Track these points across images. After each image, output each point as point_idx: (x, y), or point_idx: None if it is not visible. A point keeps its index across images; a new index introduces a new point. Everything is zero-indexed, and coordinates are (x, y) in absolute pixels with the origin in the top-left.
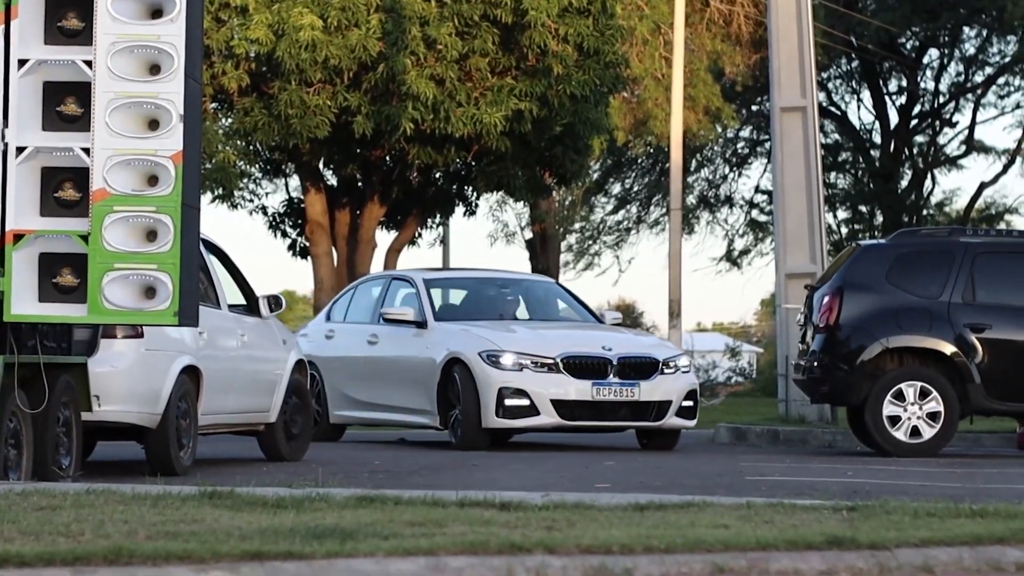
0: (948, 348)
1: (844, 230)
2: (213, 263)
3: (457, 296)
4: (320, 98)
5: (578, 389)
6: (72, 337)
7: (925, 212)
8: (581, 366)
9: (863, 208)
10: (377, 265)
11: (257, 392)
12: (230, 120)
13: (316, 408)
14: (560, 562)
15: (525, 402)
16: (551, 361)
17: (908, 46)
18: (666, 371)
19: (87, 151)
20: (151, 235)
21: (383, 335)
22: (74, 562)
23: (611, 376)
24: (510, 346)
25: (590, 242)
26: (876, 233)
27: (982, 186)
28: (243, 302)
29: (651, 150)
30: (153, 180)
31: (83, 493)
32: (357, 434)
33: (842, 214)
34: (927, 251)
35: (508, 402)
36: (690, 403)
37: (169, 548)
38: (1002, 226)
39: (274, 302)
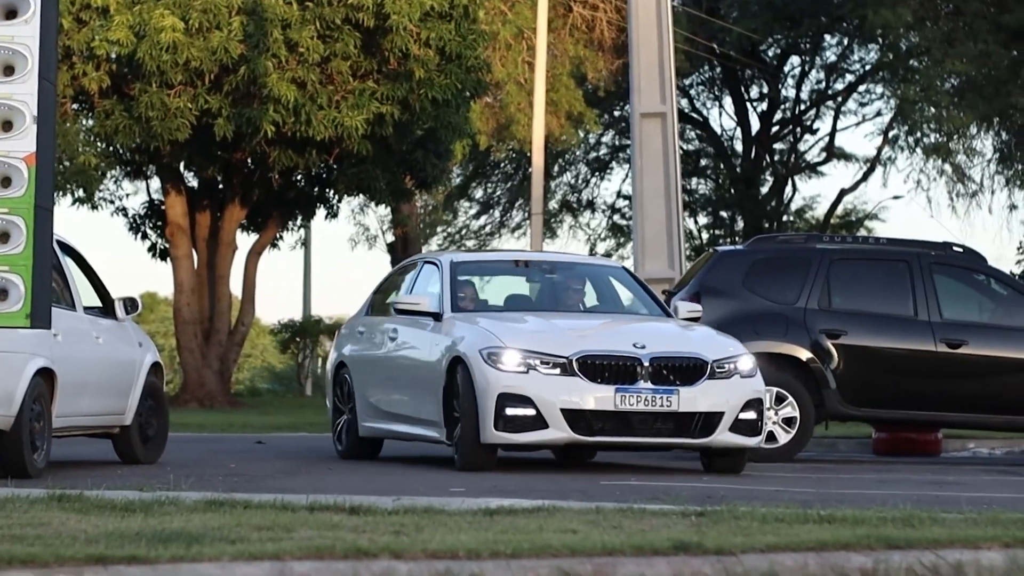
0: (804, 354)
1: (705, 235)
2: (68, 265)
3: (503, 285)
4: (181, 100)
5: (597, 396)
6: None
7: (785, 218)
8: (602, 367)
9: (724, 214)
10: (237, 268)
11: (112, 394)
12: (91, 122)
13: (348, 419)
14: (406, 567)
15: (530, 412)
16: (564, 360)
17: (770, 53)
18: (718, 374)
19: None
20: (3, 237)
21: (401, 330)
22: None
23: (641, 380)
24: (515, 341)
25: (452, 246)
26: (737, 239)
27: (842, 193)
28: (99, 304)
29: (513, 155)
30: (6, 182)
31: None
32: (211, 437)
33: (703, 219)
34: (784, 257)
35: (509, 411)
36: (751, 415)
37: (12, 552)
38: (862, 232)
39: (130, 304)
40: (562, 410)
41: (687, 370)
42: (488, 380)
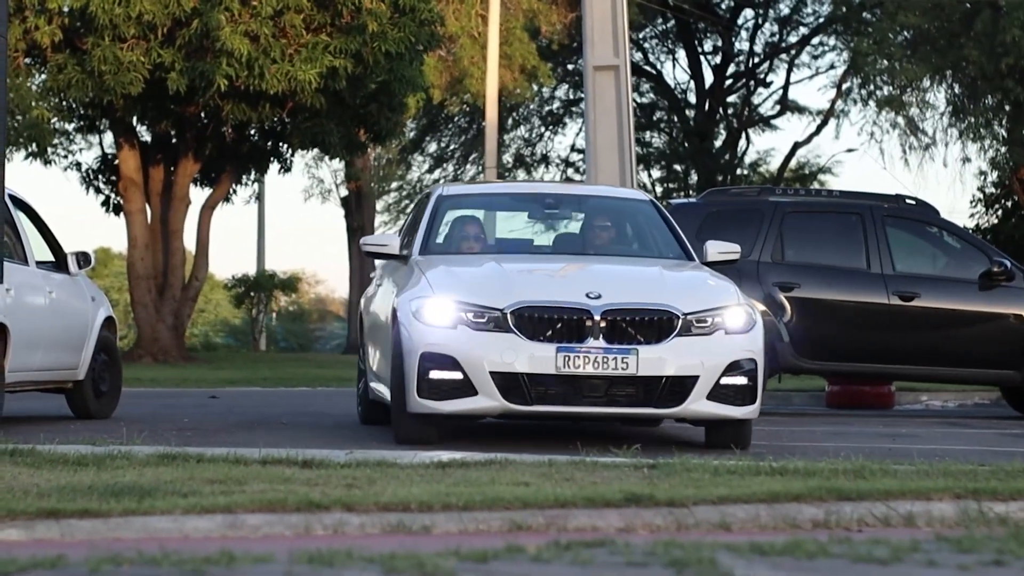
0: (757, 307)
1: (659, 189)
2: (21, 219)
3: (503, 221)
4: (134, 54)
5: (535, 356)
6: None
7: (739, 172)
8: (543, 321)
9: (678, 167)
10: (191, 222)
11: (65, 349)
12: (43, 76)
13: (364, 380)
14: (358, 519)
15: (456, 375)
16: (497, 313)
17: (723, 6)
18: (695, 330)
19: None
20: None
21: (384, 277)
22: None
23: (591, 337)
24: (447, 290)
25: (407, 201)
26: (691, 192)
27: (796, 146)
28: (51, 259)
29: (467, 108)
30: None
31: None
32: (165, 391)
33: (657, 173)
34: (737, 210)
35: (434, 375)
36: (738, 379)
37: None
38: (815, 186)
39: (83, 258)
40: (492, 373)
41: (650, 325)
42: (412, 337)
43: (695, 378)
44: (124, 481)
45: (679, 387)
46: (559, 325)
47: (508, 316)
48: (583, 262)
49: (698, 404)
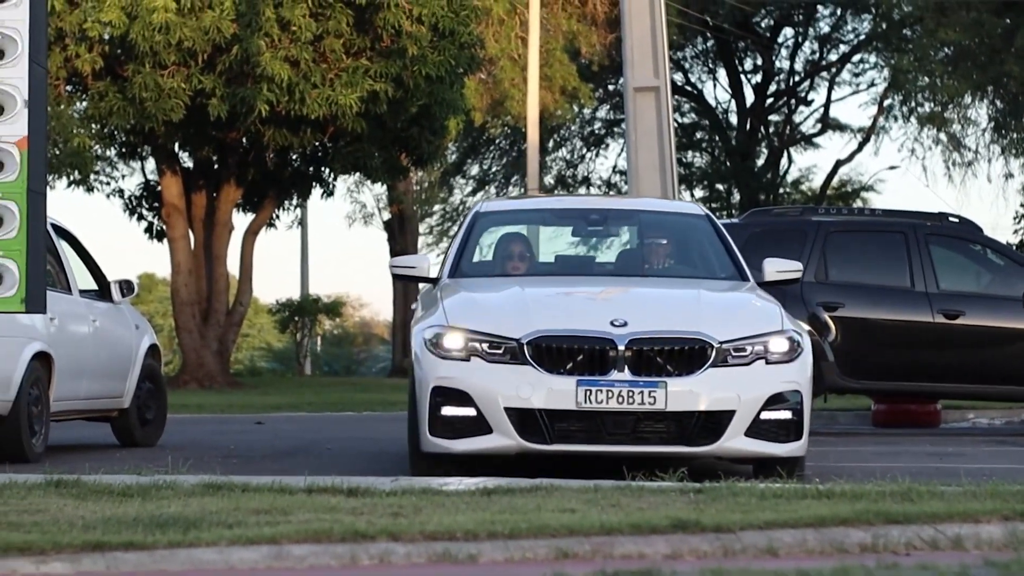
0: (804, 329)
1: None
2: (63, 248)
3: (545, 241)
4: (175, 80)
5: (553, 391)
6: None
7: (782, 190)
8: (563, 352)
9: (720, 186)
10: (234, 248)
11: (110, 377)
12: (85, 104)
13: None
14: (404, 549)
15: (469, 412)
16: (513, 344)
17: (763, 25)
18: (732, 360)
19: None
20: None
21: (419, 301)
22: None
23: (615, 369)
24: (462, 318)
25: (450, 223)
26: (733, 211)
27: (838, 164)
28: (95, 287)
29: (508, 131)
30: None
31: None
32: (210, 418)
33: (699, 192)
34: (780, 230)
35: (446, 411)
36: (781, 414)
37: (9, 540)
38: (858, 204)
39: (126, 287)
40: (507, 409)
41: (680, 355)
42: (424, 370)
43: (731, 413)
44: (169, 512)
45: (713, 423)
46: (580, 356)
47: (525, 347)
48: (621, 285)
49: (735, 441)
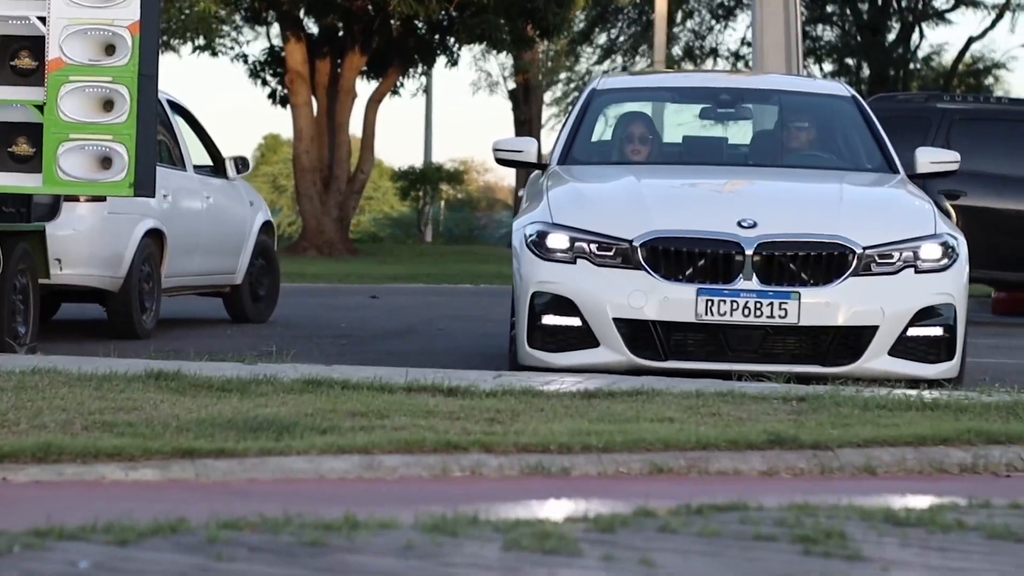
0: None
1: None
2: (178, 124)
3: (669, 122)
4: None
5: (669, 300)
6: (31, 203)
7: (912, 66)
8: (682, 257)
9: (849, 61)
10: (357, 115)
11: (222, 254)
12: None
13: None
14: (497, 461)
15: (573, 321)
16: (625, 246)
17: None
18: (876, 268)
19: (43, 20)
20: (107, 105)
21: (527, 188)
22: (2, 460)
23: (741, 277)
24: (568, 215)
25: (575, 93)
26: (862, 86)
27: (970, 40)
28: (209, 163)
29: (637, 0)
30: (110, 49)
31: (28, 373)
32: (326, 288)
33: (828, 67)
34: (904, 116)
35: (546, 320)
36: (931, 330)
37: (99, 445)
38: (990, 81)
39: (241, 163)
40: (616, 320)
41: (817, 262)
42: (524, 272)
43: (873, 329)
44: (264, 414)
45: (853, 340)
46: (702, 262)
47: (638, 250)
48: (750, 177)
49: (877, 361)
